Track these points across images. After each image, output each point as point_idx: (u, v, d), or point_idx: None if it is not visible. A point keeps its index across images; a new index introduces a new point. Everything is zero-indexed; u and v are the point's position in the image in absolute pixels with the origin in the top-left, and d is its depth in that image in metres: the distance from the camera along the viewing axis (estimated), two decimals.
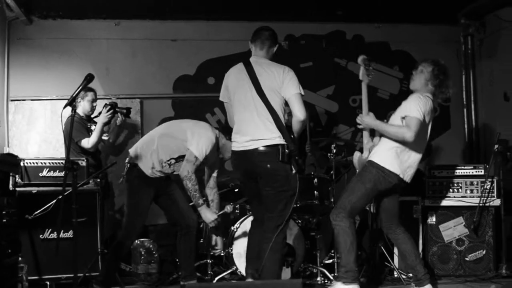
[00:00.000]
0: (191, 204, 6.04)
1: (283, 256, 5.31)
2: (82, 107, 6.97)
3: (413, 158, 5.47)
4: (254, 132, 5.15)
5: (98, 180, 6.30)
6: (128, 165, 5.97)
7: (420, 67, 5.57)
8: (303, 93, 5.17)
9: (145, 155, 5.87)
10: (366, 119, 5.56)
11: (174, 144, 5.89)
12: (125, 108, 7.20)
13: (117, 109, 7.05)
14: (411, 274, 5.83)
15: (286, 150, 5.05)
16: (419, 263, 5.58)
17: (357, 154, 5.76)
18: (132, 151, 6.01)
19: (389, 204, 5.67)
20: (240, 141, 5.25)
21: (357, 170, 5.73)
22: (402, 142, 5.35)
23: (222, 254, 6.54)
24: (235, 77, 5.36)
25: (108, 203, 7.00)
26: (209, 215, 5.94)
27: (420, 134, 5.31)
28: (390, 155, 5.40)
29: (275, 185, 5.11)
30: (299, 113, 5.09)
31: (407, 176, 5.47)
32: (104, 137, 7.22)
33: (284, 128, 5.10)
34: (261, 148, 5.10)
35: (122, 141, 8.01)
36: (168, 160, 5.88)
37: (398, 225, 5.69)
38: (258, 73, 5.21)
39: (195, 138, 5.81)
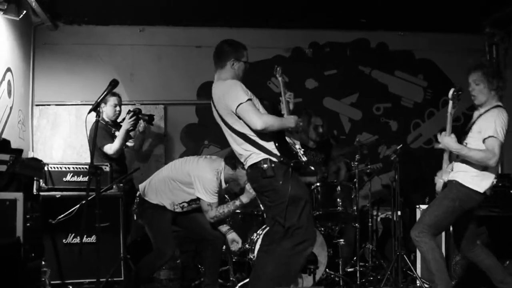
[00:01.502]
0: None
1: (284, 270, 4.83)
2: (105, 112, 6.96)
3: (494, 172, 5.29)
4: (239, 156, 4.99)
5: (121, 185, 6.32)
6: (138, 199, 6.00)
7: (470, 80, 5.33)
8: (248, 99, 4.67)
9: (155, 196, 5.89)
10: (447, 139, 5.24)
11: (183, 188, 5.85)
12: (148, 114, 7.13)
13: (140, 115, 7.03)
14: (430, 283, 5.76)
15: (265, 166, 4.71)
16: (508, 275, 5.42)
17: (440, 182, 5.46)
18: (142, 187, 6.00)
19: (469, 223, 5.49)
20: None
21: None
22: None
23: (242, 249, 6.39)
24: (211, 103, 5.08)
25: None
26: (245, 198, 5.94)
27: None
28: (476, 176, 5.23)
29: (267, 200, 4.91)
30: (252, 124, 4.66)
31: (488, 191, 5.31)
32: (129, 144, 7.21)
33: (259, 142, 4.76)
34: (248, 170, 4.91)
35: (147, 148, 8.06)
36: (180, 203, 5.89)
37: (476, 242, 5.56)
38: (213, 99, 4.93)
39: (200, 185, 5.75)
